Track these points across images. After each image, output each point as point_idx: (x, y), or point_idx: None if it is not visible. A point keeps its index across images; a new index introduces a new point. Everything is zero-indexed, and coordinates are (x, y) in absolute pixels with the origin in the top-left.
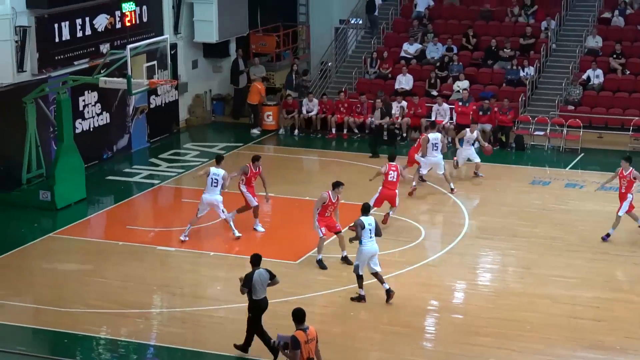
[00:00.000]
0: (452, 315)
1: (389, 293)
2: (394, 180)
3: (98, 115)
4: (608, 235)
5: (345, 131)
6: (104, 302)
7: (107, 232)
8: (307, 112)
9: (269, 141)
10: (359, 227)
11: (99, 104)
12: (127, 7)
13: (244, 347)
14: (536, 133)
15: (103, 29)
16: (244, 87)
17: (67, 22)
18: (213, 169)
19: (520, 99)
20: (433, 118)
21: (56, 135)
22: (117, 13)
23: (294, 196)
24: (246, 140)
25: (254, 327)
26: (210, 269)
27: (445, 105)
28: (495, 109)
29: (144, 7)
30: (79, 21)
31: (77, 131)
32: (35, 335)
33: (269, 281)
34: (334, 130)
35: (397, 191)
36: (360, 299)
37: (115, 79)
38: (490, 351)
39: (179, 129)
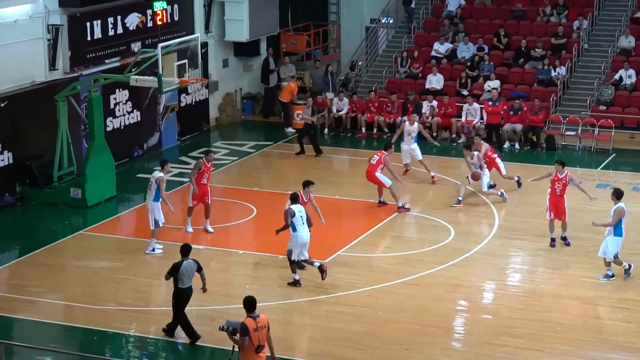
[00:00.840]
0: (481, 315)
1: (322, 268)
2: (374, 163)
3: (129, 113)
4: (558, 240)
5: (375, 130)
6: (133, 300)
7: (137, 229)
8: (337, 111)
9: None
10: (288, 216)
11: (129, 102)
12: (159, 6)
13: (170, 330)
14: (567, 133)
15: (134, 28)
16: (274, 86)
17: (99, 21)
18: (154, 173)
19: (551, 99)
20: (463, 118)
21: (87, 133)
22: (149, 12)
23: (324, 195)
24: (276, 139)
25: (178, 314)
26: (239, 267)
27: (476, 105)
28: (525, 109)
29: (175, 6)
30: (110, 20)
31: (108, 129)
32: (66, 332)
33: (197, 272)
34: (363, 130)
35: (377, 174)
36: (295, 283)
37: (146, 77)
38: (519, 352)
39: (209, 127)
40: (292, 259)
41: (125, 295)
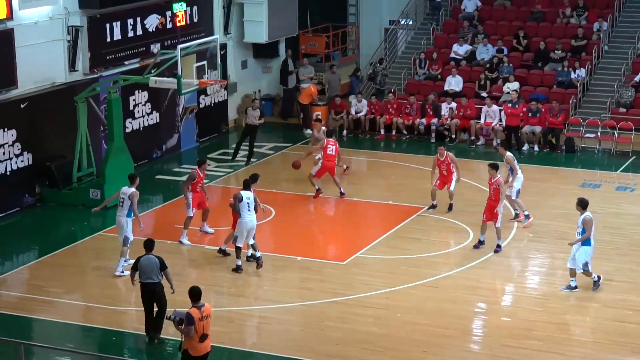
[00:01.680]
0: (499, 318)
1: (258, 261)
2: (333, 153)
3: (148, 114)
4: (499, 247)
5: (393, 132)
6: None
7: (156, 231)
8: (356, 112)
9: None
10: (236, 201)
11: (149, 104)
12: (178, 8)
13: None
14: (587, 135)
15: (154, 29)
16: (293, 88)
17: (119, 22)
18: (124, 189)
19: (571, 101)
20: (482, 120)
21: (107, 134)
22: (168, 13)
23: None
24: (294, 141)
25: (145, 309)
26: (257, 269)
27: (495, 107)
28: (545, 111)
29: (195, 8)
30: (130, 21)
31: (127, 130)
32: (84, 333)
33: (160, 270)
34: (382, 131)
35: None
36: (238, 269)
37: (165, 78)
38: (538, 354)
39: (228, 128)
40: (238, 245)
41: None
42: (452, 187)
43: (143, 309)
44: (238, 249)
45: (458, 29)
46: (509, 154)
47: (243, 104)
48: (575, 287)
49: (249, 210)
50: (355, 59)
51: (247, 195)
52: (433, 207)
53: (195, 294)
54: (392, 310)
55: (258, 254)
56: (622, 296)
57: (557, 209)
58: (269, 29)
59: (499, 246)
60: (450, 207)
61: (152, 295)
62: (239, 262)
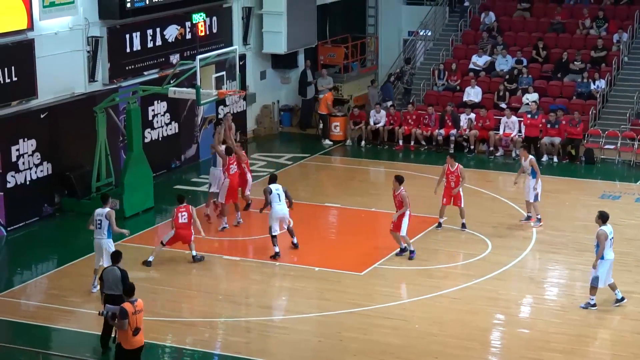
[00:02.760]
0: (518, 329)
1: (296, 247)
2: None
3: (167, 125)
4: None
5: (412, 143)
6: (170, 311)
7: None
8: (375, 123)
9: (336, 152)
10: (267, 194)
11: (168, 114)
12: (198, 18)
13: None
14: (607, 147)
15: (173, 40)
16: (312, 98)
17: (138, 33)
18: (98, 210)
19: (590, 112)
20: (501, 131)
21: (126, 144)
22: (188, 24)
23: (360, 207)
24: (313, 151)
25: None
26: (276, 280)
27: (514, 118)
28: (564, 122)
29: (214, 18)
30: (149, 32)
31: (146, 140)
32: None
33: (121, 282)
34: (401, 142)
35: None
36: (276, 255)
37: (184, 89)
38: None
39: (247, 139)
40: (273, 234)
41: (163, 306)
42: (462, 204)
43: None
44: (274, 237)
45: (477, 40)
46: (531, 157)
47: (262, 114)
48: (594, 305)
49: (279, 200)
50: (374, 70)
51: (276, 187)
52: (439, 225)
53: (129, 290)
54: (410, 321)
55: (294, 240)
56: None
57: (576, 220)
58: (287, 39)
59: (463, 225)
60: (463, 226)
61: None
62: (277, 249)
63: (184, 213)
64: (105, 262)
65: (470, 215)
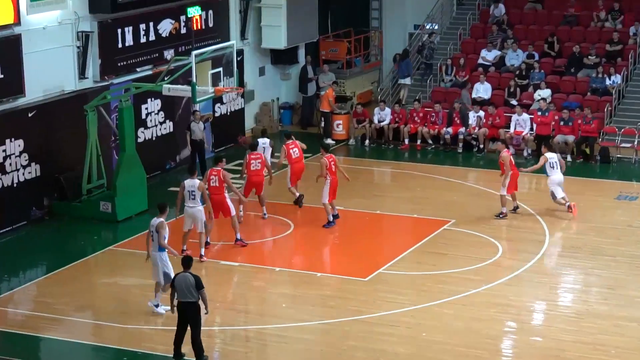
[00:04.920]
0: (530, 337)
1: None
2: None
3: (161, 123)
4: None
5: (418, 142)
6: (165, 319)
7: (169, 245)
8: (379, 121)
9: (339, 152)
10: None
11: (162, 112)
12: (193, 12)
13: None
14: (623, 145)
15: (167, 35)
16: (313, 95)
17: (131, 28)
18: (188, 182)
19: (605, 109)
20: (512, 129)
21: (118, 144)
22: (182, 18)
23: (365, 210)
24: (314, 151)
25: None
26: (275, 286)
27: (525, 115)
28: (579, 120)
29: (210, 12)
30: (142, 26)
31: (140, 140)
32: (95, 352)
33: (197, 289)
34: (406, 141)
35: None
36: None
37: (179, 86)
38: None
39: (245, 138)
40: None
41: (156, 314)
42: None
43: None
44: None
45: (486, 33)
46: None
47: (261, 112)
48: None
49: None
50: (378, 66)
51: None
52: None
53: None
54: (417, 329)
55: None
56: None
57: (591, 222)
58: (287, 34)
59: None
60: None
61: (187, 315)
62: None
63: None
64: (160, 278)
65: (479, 217)
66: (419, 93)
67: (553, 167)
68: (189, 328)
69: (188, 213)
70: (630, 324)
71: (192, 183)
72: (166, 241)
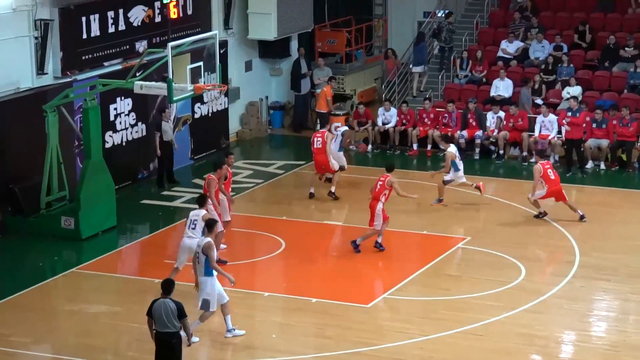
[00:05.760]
0: None
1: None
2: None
3: (132, 126)
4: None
5: (429, 147)
6: (139, 353)
7: (141, 267)
8: (384, 123)
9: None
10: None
11: (133, 113)
12: None
13: None
14: None
15: (139, 24)
16: (307, 94)
17: (97, 16)
18: (194, 212)
19: None
20: (537, 132)
21: (82, 150)
22: (157, 4)
23: (367, 226)
24: (309, 158)
25: None
26: (264, 313)
27: (552, 116)
28: (614, 121)
29: None
30: (111, 14)
31: (107, 146)
32: None
33: (178, 318)
34: (415, 146)
35: None
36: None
37: (153, 83)
38: None
39: (229, 143)
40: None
41: (128, 347)
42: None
43: None
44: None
45: (508, 22)
46: (450, 150)
47: (247, 113)
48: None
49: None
50: (381, 59)
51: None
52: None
53: None
54: None
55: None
56: None
57: (629, 239)
58: (278, 23)
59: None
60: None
61: (167, 348)
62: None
63: (318, 138)
64: (199, 303)
65: (500, 234)
66: (430, 91)
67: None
68: None
69: (186, 245)
70: None
71: (198, 213)
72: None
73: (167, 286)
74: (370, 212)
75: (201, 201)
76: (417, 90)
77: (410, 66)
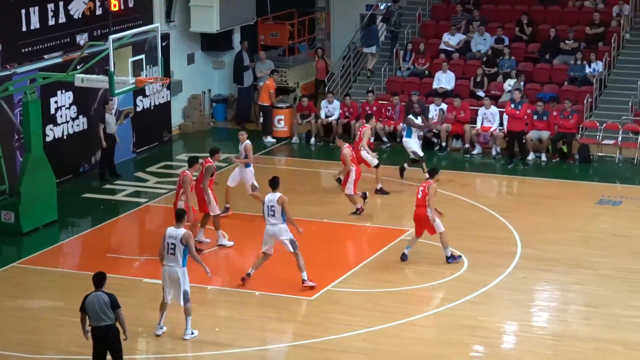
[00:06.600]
0: None
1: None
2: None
3: (73, 120)
4: None
5: (372, 140)
6: (82, 348)
7: (83, 261)
8: (326, 116)
9: (280, 151)
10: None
11: (74, 107)
12: None
13: None
14: (605, 142)
15: (80, 16)
16: (250, 86)
17: (37, 8)
18: (268, 196)
19: (585, 101)
20: (479, 124)
21: (22, 143)
22: None
23: (311, 218)
24: (253, 151)
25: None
26: (206, 307)
27: (494, 109)
28: (554, 113)
29: None
30: (51, 6)
31: (48, 139)
32: None
33: (112, 310)
34: None
35: None
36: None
37: (94, 76)
38: None
39: (171, 136)
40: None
41: (70, 342)
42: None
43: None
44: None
45: (450, 15)
46: (248, 142)
47: (190, 106)
48: None
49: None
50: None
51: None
52: None
53: None
54: (372, 356)
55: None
56: None
57: (570, 231)
58: (220, 15)
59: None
60: None
61: (105, 342)
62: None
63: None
64: (180, 298)
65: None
66: (372, 84)
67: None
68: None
69: (270, 232)
70: (614, 347)
71: (272, 197)
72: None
73: (98, 279)
74: (424, 223)
75: (274, 184)
76: (369, 70)
77: (362, 48)
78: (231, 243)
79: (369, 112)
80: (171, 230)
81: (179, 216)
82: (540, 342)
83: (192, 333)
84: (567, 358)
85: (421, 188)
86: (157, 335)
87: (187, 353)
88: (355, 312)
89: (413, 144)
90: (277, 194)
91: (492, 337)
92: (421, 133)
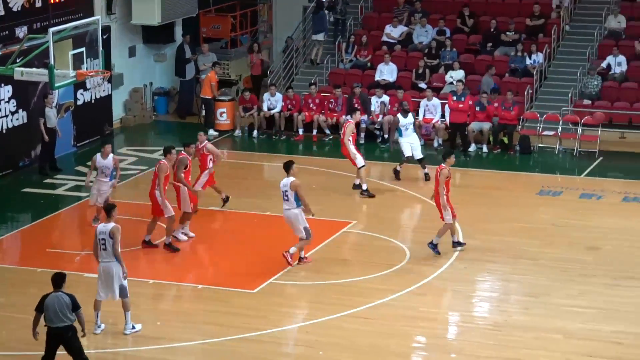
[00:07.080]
0: (443, 354)
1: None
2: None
3: (13, 113)
4: None
5: (314, 132)
6: (21, 344)
7: (22, 256)
8: (269, 109)
9: (223, 144)
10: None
11: (13, 100)
12: None
13: None
14: (545, 133)
15: (19, 9)
16: (192, 79)
17: None
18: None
19: (526, 92)
20: (421, 116)
21: None
22: None
23: (253, 211)
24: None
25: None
26: (147, 301)
27: (436, 100)
28: (496, 104)
29: None
30: None
31: None
32: None
33: (72, 311)
34: (301, 131)
35: None
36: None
37: (34, 69)
38: None
39: (113, 130)
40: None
41: (10, 337)
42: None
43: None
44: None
45: (391, 7)
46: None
47: (131, 99)
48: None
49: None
50: (268, 44)
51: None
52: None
53: None
54: (314, 347)
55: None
56: (590, 325)
57: (510, 221)
58: (162, 8)
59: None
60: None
61: (61, 342)
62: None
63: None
64: (116, 293)
65: (385, 217)
66: (315, 76)
67: None
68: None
69: (285, 218)
70: (554, 337)
71: (286, 182)
72: None
73: (58, 280)
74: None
75: (287, 167)
76: (316, 57)
77: (311, 34)
78: (185, 238)
79: (356, 106)
80: (101, 226)
81: (108, 211)
82: (482, 332)
83: (134, 328)
84: (507, 347)
85: (435, 174)
86: (96, 334)
87: (127, 348)
88: (298, 305)
89: (403, 143)
90: (291, 179)
91: (434, 328)
92: (413, 131)
